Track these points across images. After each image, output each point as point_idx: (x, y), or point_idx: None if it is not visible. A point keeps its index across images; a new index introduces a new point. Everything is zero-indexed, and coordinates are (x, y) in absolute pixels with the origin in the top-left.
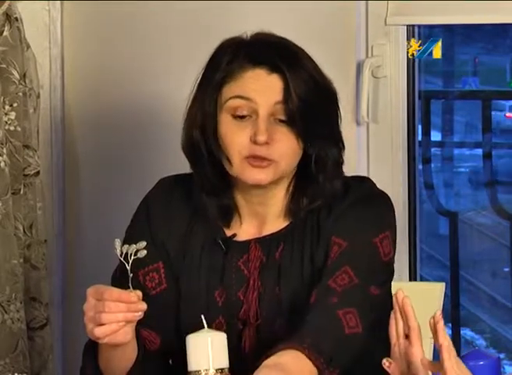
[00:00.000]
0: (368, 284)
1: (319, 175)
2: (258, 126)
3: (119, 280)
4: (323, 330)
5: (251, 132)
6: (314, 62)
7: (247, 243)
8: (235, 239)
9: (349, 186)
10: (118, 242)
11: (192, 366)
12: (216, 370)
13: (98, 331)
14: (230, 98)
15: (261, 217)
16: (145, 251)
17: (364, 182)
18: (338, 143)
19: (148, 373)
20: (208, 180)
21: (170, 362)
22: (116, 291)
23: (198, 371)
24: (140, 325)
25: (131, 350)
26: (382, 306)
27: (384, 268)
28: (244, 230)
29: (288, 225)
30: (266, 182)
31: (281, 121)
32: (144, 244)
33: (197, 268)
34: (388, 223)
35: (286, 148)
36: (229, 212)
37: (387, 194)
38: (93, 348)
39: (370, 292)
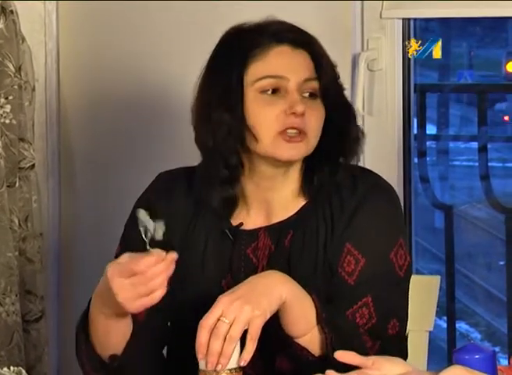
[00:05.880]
0: (386, 322)
1: (337, 151)
2: (293, 98)
3: None
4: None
5: (284, 106)
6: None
7: (256, 231)
8: (242, 228)
9: (356, 176)
10: (142, 213)
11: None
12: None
13: (155, 298)
14: (259, 79)
15: (269, 205)
16: (161, 232)
17: (368, 173)
18: (355, 118)
19: (142, 346)
20: (217, 171)
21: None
22: (150, 257)
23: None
24: None
25: (129, 322)
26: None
27: (399, 289)
28: (252, 219)
29: (297, 212)
30: (297, 158)
31: (307, 96)
32: (162, 224)
33: (202, 258)
34: (399, 225)
35: (315, 122)
36: (234, 203)
37: (392, 186)
38: (83, 328)
39: (388, 332)
